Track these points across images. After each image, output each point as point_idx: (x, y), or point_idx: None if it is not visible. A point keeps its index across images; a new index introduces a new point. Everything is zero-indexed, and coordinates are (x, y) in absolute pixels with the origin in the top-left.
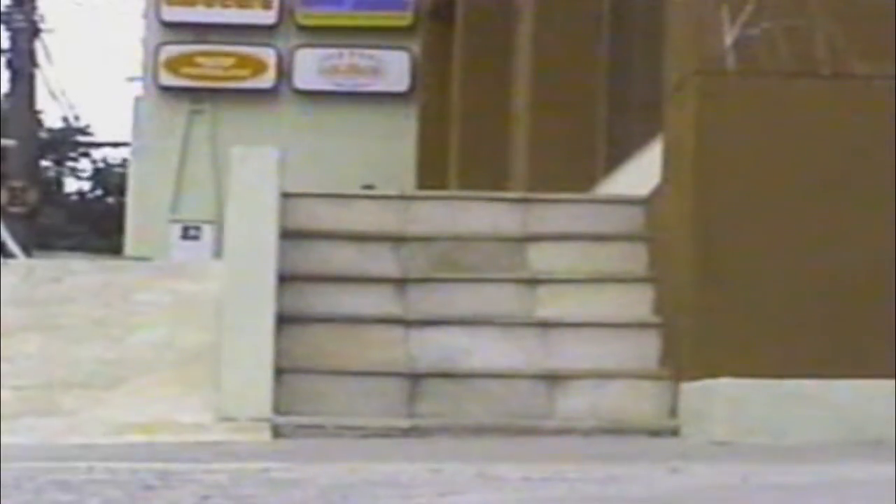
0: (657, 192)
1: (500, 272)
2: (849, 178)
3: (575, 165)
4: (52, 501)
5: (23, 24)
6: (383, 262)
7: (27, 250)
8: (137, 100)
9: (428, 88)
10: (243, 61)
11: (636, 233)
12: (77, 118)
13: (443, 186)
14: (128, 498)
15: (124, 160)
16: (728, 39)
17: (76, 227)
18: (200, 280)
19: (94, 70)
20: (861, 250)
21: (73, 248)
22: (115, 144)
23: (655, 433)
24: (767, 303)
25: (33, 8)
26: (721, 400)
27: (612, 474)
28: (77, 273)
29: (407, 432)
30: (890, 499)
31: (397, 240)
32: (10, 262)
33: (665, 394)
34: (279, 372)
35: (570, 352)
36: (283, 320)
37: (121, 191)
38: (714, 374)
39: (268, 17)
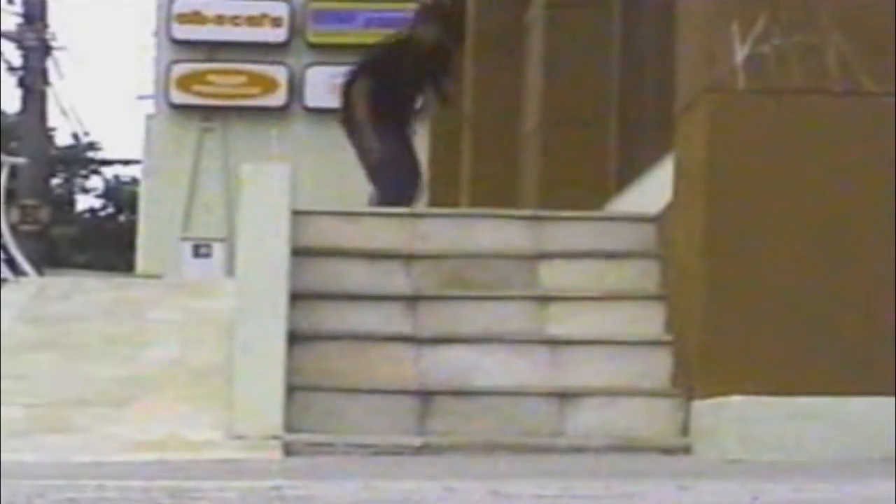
0: (668, 210)
1: (512, 290)
2: (860, 196)
3: (586, 183)
4: None
5: (34, 43)
6: (394, 279)
7: (38, 268)
8: (149, 117)
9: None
10: (254, 79)
11: (648, 250)
12: (87, 133)
13: (454, 204)
14: None
15: (134, 178)
16: (739, 57)
17: (88, 244)
18: (211, 298)
19: (106, 88)
20: (873, 267)
21: (84, 266)
22: (127, 162)
23: (667, 451)
24: (779, 320)
25: (45, 26)
26: (733, 417)
27: (624, 492)
28: (88, 291)
29: (418, 450)
30: None
31: (408, 257)
32: (22, 279)
33: (677, 411)
34: (290, 389)
35: (582, 369)
36: (295, 338)
37: (132, 208)
38: (726, 392)
39: (278, 35)
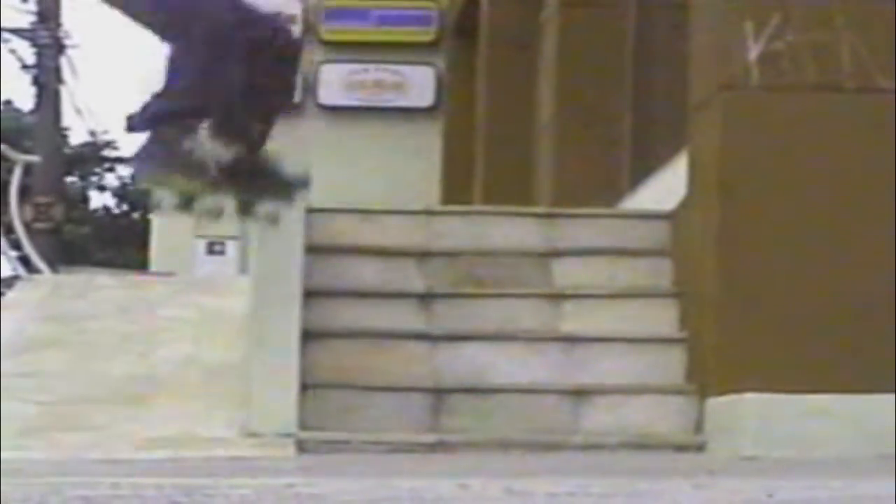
0: (682, 207)
1: (526, 287)
2: (874, 193)
3: (600, 180)
4: None
5: (48, 41)
6: (408, 277)
7: (53, 266)
8: None
9: (452, 103)
10: None
11: (661, 248)
12: (105, 132)
13: (468, 201)
14: None
15: None
16: (752, 54)
17: (102, 242)
18: (225, 295)
19: (120, 85)
20: (888, 265)
21: (99, 264)
22: None
23: (681, 448)
24: (793, 317)
25: (58, 24)
26: (747, 415)
27: (637, 489)
28: (102, 288)
29: (432, 447)
30: None
31: (422, 255)
32: (36, 277)
33: (691, 409)
34: (304, 387)
35: (596, 367)
36: (309, 336)
37: (146, 206)
38: (740, 389)
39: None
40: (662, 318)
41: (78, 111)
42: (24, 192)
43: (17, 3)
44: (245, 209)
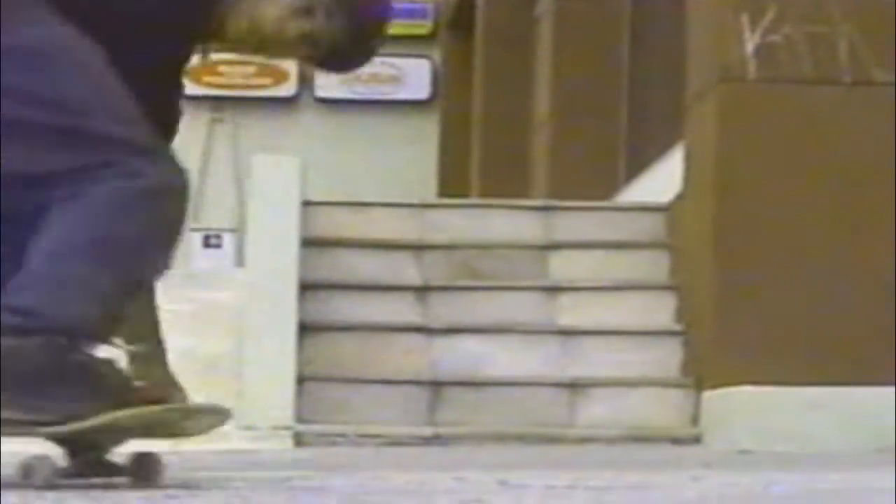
0: (678, 200)
1: (522, 280)
2: (870, 187)
3: (596, 173)
4: None
5: None
6: (405, 269)
7: None
8: None
9: (449, 96)
10: (265, 70)
11: (658, 240)
12: None
13: (464, 194)
14: None
15: None
16: (749, 47)
17: None
18: (222, 289)
19: None
20: (883, 258)
21: None
22: None
23: (677, 441)
24: (789, 310)
25: None
26: (743, 408)
27: (634, 482)
28: None
29: (429, 440)
30: None
31: (419, 248)
32: None
33: (687, 402)
34: (301, 380)
35: (592, 360)
36: (305, 328)
37: None
38: (736, 382)
39: None
40: (659, 310)
41: None
42: None
43: None
44: None
